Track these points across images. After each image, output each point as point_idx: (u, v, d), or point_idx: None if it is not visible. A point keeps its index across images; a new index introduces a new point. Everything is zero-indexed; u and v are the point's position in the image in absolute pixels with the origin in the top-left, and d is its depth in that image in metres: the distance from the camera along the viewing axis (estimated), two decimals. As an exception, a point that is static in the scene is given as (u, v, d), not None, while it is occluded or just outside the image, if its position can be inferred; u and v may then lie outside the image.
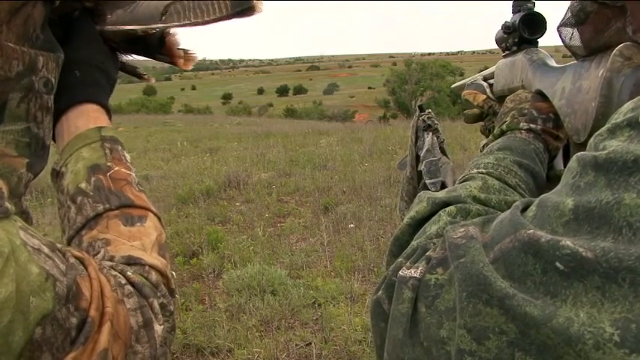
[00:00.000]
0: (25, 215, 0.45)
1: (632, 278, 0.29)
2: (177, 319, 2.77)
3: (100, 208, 0.53)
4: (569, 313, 0.31)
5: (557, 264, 0.32)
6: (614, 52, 0.51)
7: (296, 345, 2.67)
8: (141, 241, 0.53)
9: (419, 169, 1.03)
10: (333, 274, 3.54)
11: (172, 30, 0.69)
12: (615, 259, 0.29)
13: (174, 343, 2.70)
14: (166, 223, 4.65)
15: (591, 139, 0.37)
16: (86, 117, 0.58)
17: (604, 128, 0.36)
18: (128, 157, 0.60)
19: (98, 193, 0.54)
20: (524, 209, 0.40)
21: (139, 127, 15.67)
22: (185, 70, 0.75)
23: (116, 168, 0.56)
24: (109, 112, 0.62)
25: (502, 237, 0.38)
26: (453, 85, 1.03)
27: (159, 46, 0.70)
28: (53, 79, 0.47)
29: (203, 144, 10.42)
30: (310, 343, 2.67)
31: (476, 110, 0.89)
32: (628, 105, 0.35)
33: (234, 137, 11.39)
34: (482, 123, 0.88)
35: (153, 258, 0.52)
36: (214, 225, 4.65)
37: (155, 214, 0.57)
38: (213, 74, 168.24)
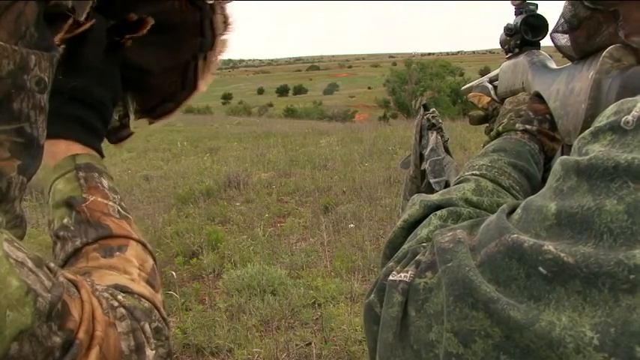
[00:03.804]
0: (19, 220, 0.45)
1: (612, 283, 0.29)
2: (177, 319, 2.75)
3: (78, 242, 0.52)
4: (551, 317, 0.31)
5: (541, 268, 0.32)
6: (603, 53, 0.52)
7: (296, 345, 2.67)
8: (125, 270, 0.51)
9: (422, 168, 1.04)
10: (333, 274, 3.54)
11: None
12: (595, 264, 0.30)
13: (174, 343, 2.70)
14: (166, 223, 4.66)
15: (575, 142, 0.37)
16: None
17: (587, 131, 0.36)
18: (106, 183, 0.58)
19: (78, 226, 0.53)
20: (511, 212, 0.40)
21: (138, 127, 15.62)
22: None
23: (92, 198, 0.55)
24: (66, 137, 0.58)
25: (488, 241, 0.38)
26: (462, 88, 1.04)
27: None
28: (46, 78, 0.46)
29: (203, 144, 10.42)
30: (310, 343, 2.67)
31: (481, 112, 0.89)
32: (611, 108, 0.35)
33: (234, 137, 11.39)
34: (487, 125, 0.89)
35: (141, 287, 0.51)
36: (214, 225, 4.65)
37: (138, 241, 0.55)
38: (213, 74, 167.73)
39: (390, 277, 0.44)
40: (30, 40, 0.44)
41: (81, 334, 0.39)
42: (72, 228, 0.53)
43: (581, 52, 0.58)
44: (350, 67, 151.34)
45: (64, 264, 0.52)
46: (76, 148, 0.58)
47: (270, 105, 61.56)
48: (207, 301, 3.20)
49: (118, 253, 0.52)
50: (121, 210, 0.57)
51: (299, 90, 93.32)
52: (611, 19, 0.51)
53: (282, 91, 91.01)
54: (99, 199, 0.55)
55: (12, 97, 0.43)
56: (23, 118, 0.44)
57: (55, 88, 0.57)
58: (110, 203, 0.56)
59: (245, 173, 6.36)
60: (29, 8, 0.44)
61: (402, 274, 0.43)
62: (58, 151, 0.58)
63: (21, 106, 0.44)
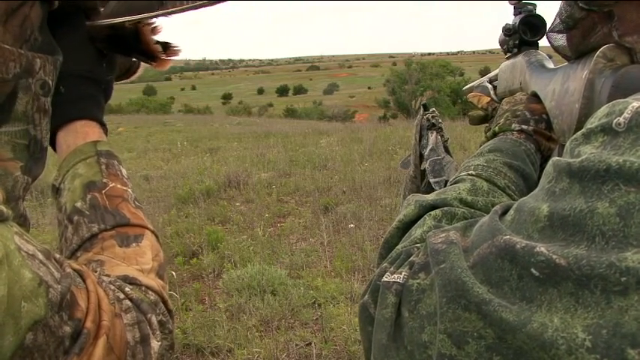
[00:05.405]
0: (22, 219, 0.45)
1: (604, 285, 0.29)
2: (177, 319, 2.75)
3: (95, 228, 0.52)
4: (543, 319, 0.31)
5: (533, 270, 0.33)
6: (597, 53, 0.52)
7: (296, 345, 2.67)
8: (137, 262, 0.52)
9: (422, 167, 1.04)
10: (333, 274, 3.54)
11: (151, 20, 0.58)
12: (587, 266, 0.30)
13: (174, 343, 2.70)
14: (166, 223, 4.66)
15: (567, 144, 0.37)
16: (74, 134, 0.57)
17: (579, 133, 0.36)
18: (124, 171, 0.59)
19: (94, 212, 0.53)
20: (504, 213, 0.40)
21: (139, 127, 15.65)
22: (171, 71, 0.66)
23: (112, 184, 0.55)
24: (101, 123, 0.60)
25: (481, 242, 0.38)
26: (463, 88, 1.04)
27: (135, 42, 0.60)
28: (50, 82, 0.46)
29: (203, 144, 10.42)
30: (310, 343, 2.67)
31: (480, 112, 0.90)
32: (603, 110, 0.35)
33: (234, 137, 11.39)
34: (486, 125, 0.89)
35: (149, 279, 0.51)
36: (214, 225, 4.65)
37: (152, 232, 0.56)
38: (213, 74, 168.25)
39: (384, 278, 0.44)
40: (34, 44, 0.45)
41: (88, 324, 0.40)
42: (87, 212, 0.53)
43: (576, 52, 0.58)
44: (350, 67, 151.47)
45: (78, 248, 0.52)
46: (103, 135, 0.60)
47: (270, 105, 61.61)
48: (207, 301, 3.21)
49: (134, 243, 0.53)
50: (136, 199, 0.58)
51: (299, 90, 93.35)
52: (605, 20, 0.51)
53: (282, 91, 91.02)
54: (118, 185, 0.56)
55: (17, 99, 0.43)
56: (28, 121, 0.45)
57: (97, 77, 0.60)
58: (129, 190, 0.57)
59: (245, 173, 6.36)
60: (34, 13, 0.44)
61: (396, 275, 0.44)
62: (92, 133, 0.59)
63: (25, 108, 0.45)
